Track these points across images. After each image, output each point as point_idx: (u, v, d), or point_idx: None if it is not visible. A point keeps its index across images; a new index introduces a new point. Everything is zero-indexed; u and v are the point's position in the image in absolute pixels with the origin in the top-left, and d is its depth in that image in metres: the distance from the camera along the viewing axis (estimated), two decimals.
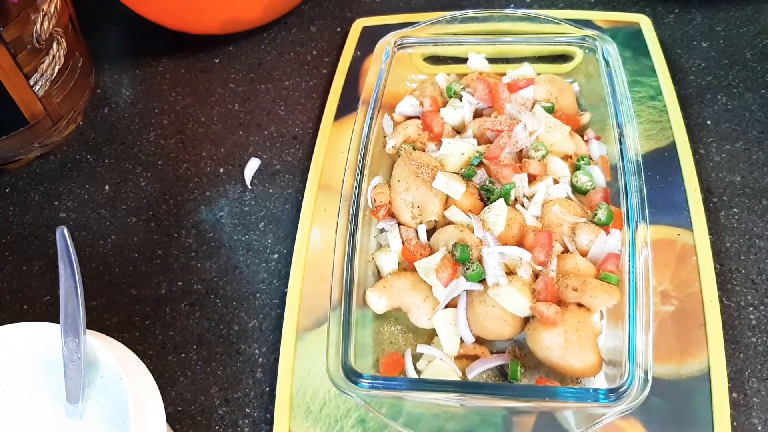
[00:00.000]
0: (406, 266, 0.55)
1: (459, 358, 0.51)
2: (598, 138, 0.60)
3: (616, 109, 0.57)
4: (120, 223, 0.64)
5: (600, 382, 0.49)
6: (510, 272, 0.51)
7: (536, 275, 0.51)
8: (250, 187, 0.65)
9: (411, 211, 0.55)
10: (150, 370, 0.45)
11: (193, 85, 0.73)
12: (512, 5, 0.76)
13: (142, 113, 0.71)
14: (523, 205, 0.55)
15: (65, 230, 0.43)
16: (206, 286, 0.60)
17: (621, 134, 0.56)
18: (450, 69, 0.67)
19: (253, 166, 0.66)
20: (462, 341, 0.52)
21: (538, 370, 0.51)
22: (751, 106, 0.65)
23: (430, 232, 0.55)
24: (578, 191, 0.56)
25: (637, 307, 0.47)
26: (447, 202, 0.55)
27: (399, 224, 0.56)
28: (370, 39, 0.71)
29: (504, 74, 0.65)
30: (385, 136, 0.62)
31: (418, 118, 0.62)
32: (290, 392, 0.53)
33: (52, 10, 0.59)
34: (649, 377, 0.45)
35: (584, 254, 0.52)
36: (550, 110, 0.60)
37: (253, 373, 0.56)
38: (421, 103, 0.63)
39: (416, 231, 0.55)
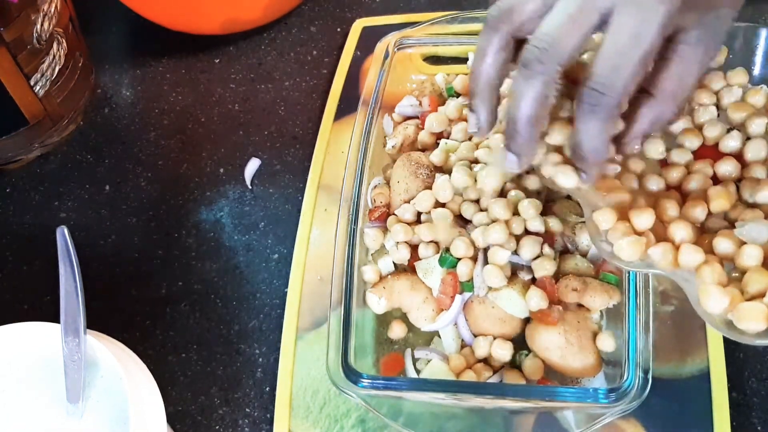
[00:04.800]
0: (406, 267, 0.55)
1: (459, 373, 0.51)
2: None
3: None
4: (120, 223, 0.64)
5: (600, 382, 0.49)
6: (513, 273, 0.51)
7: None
8: (250, 187, 0.65)
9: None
10: (150, 370, 0.45)
11: (193, 85, 0.73)
12: None
13: (142, 113, 0.71)
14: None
15: (65, 230, 0.43)
16: (206, 286, 0.60)
17: None
18: (450, 69, 0.67)
19: (253, 166, 0.66)
20: (462, 348, 0.52)
21: None
22: None
23: None
24: None
25: (636, 307, 0.47)
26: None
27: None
28: (370, 39, 0.70)
29: None
30: (385, 136, 0.62)
31: (418, 118, 0.62)
32: (290, 392, 0.53)
33: (52, 10, 0.59)
34: (649, 377, 0.45)
35: (584, 254, 0.52)
36: None
37: (253, 373, 0.56)
38: (420, 103, 0.63)
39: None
